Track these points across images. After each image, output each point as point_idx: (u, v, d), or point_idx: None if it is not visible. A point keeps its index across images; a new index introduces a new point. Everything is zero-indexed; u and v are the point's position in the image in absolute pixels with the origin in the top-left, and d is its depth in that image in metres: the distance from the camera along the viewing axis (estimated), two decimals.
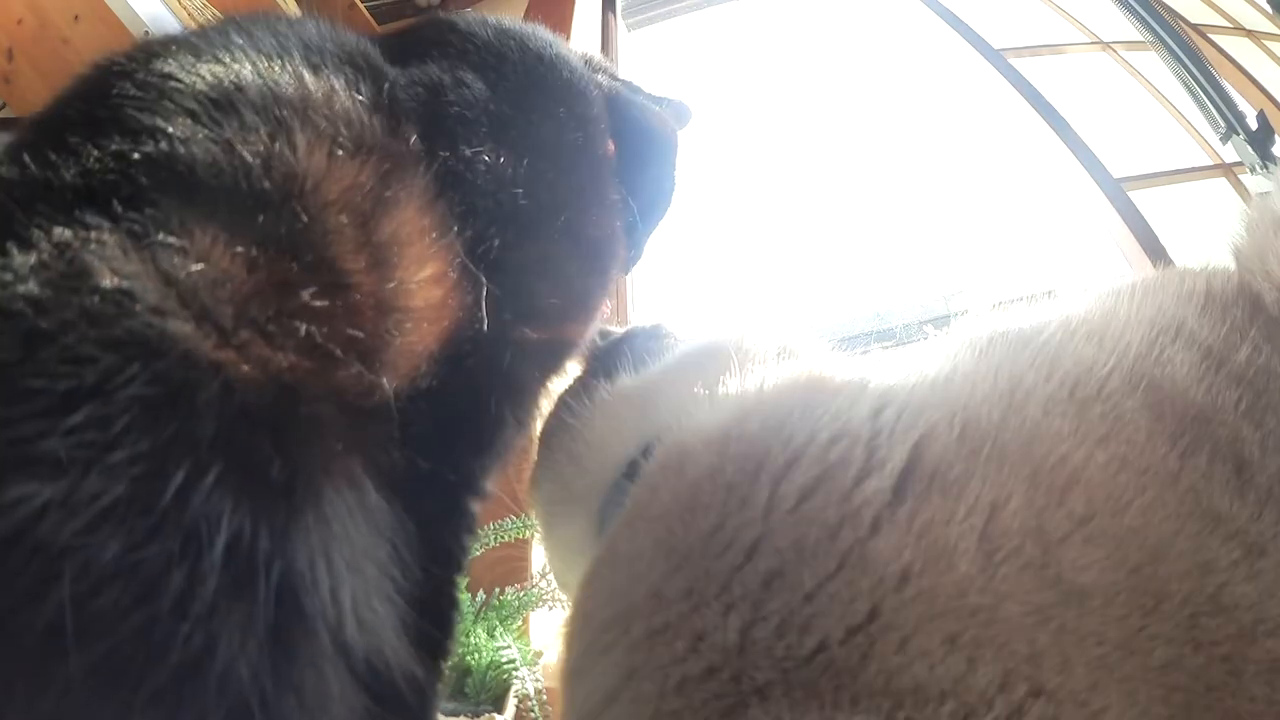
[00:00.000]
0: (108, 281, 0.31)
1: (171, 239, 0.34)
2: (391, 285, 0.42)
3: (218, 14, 1.58)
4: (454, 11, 0.71)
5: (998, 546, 0.35)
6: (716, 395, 0.49)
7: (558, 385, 0.68)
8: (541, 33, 0.64)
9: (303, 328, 0.36)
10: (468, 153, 0.48)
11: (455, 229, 0.46)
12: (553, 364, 0.59)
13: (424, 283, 0.44)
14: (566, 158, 0.55)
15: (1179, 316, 0.45)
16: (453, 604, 0.48)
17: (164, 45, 0.44)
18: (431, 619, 0.45)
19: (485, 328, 0.46)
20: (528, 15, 2.18)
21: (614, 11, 2.52)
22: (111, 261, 0.32)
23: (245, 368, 0.33)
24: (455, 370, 0.45)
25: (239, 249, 0.36)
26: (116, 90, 0.40)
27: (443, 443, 0.45)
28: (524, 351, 0.51)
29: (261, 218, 0.38)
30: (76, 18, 1.29)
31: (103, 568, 0.26)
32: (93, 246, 0.32)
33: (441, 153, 0.47)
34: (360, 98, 0.45)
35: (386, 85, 0.47)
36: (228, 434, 0.30)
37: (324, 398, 0.36)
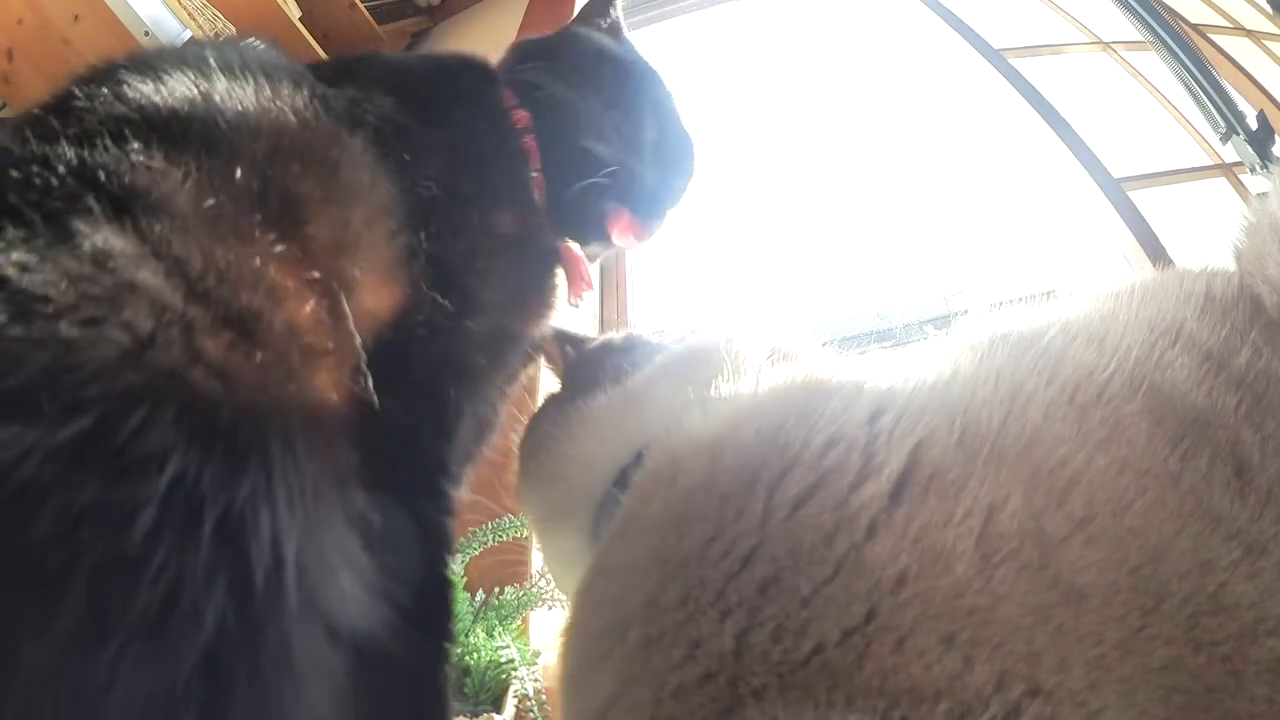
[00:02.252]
0: (89, 244, 0.34)
1: (151, 198, 0.38)
2: (346, 242, 0.46)
3: (217, 13, 1.59)
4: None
5: (996, 548, 0.35)
6: (708, 400, 0.48)
7: (531, 392, 0.70)
8: (446, 55, 0.72)
9: (258, 269, 0.40)
10: (386, 152, 0.54)
11: (391, 215, 0.51)
12: (502, 357, 0.62)
13: (371, 246, 0.48)
14: (471, 158, 0.60)
15: (1178, 319, 0.45)
16: (445, 582, 0.50)
17: (159, 54, 0.51)
18: (426, 599, 0.46)
19: (430, 315, 0.50)
20: (528, 15, 2.19)
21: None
22: (95, 225, 0.35)
23: (205, 314, 0.35)
24: (410, 355, 0.49)
25: (211, 200, 0.40)
26: (122, 74, 0.46)
27: (407, 425, 0.48)
28: (472, 343, 0.55)
29: (236, 174, 0.43)
30: (76, 18, 1.29)
31: (82, 506, 0.28)
32: (79, 214, 0.35)
33: (370, 144, 0.53)
34: (304, 97, 0.53)
35: (320, 92, 0.55)
36: (184, 376, 0.33)
37: (279, 342, 0.38)
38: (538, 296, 0.67)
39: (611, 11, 0.85)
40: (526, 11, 2.21)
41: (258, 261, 0.40)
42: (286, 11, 1.84)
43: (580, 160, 0.67)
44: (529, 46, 0.80)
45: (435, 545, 0.49)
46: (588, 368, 0.64)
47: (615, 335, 0.70)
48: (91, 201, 0.36)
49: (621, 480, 0.51)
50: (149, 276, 0.34)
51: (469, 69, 0.71)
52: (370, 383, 0.44)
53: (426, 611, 0.46)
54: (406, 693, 0.44)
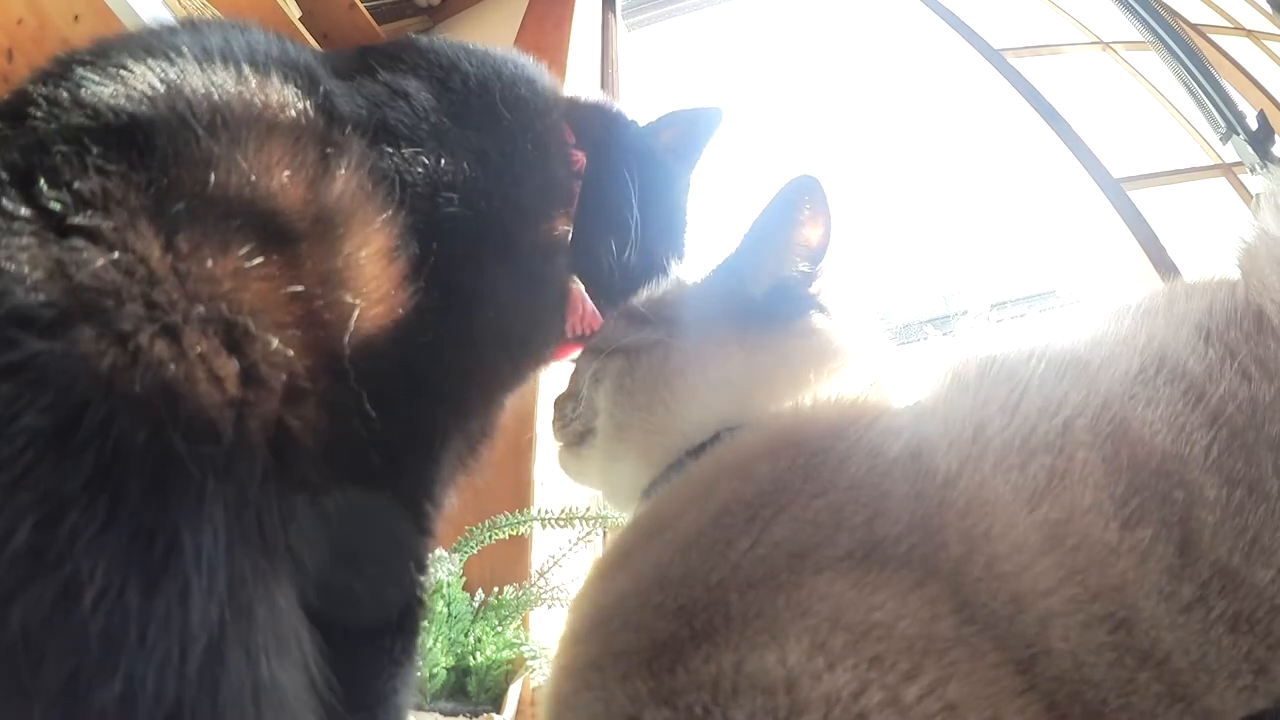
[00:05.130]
0: (10, 294, 0.30)
1: (90, 219, 0.34)
2: (339, 256, 0.43)
3: (217, 14, 1.59)
4: (423, 35, 0.76)
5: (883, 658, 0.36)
6: (782, 410, 0.55)
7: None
8: (508, 55, 0.68)
9: (214, 299, 0.36)
10: (406, 152, 0.50)
11: (398, 224, 0.47)
12: (502, 374, 0.60)
13: (371, 258, 0.45)
14: (508, 173, 0.56)
15: (1167, 345, 0.43)
16: (419, 603, 0.48)
17: (120, 40, 0.46)
18: (396, 619, 0.45)
19: (432, 333, 0.47)
20: (528, 15, 2.18)
21: (614, 11, 2.52)
22: (20, 265, 0.31)
23: (134, 386, 0.32)
24: (402, 375, 0.45)
25: (169, 218, 0.36)
26: (79, 74, 0.42)
27: (393, 445, 0.45)
28: (472, 365, 0.53)
29: (209, 179, 0.39)
30: (76, 18, 1.29)
31: (43, 615, 0.27)
32: (7, 241, 0.32)
33: (383, 149, 0.49)
34: (296, 91, 0.48)
35: (322, 89, 0.50)
36: (104, 476, 0.30)
37: (218, 401, 0.35)
38: (544, 320, 0.65)
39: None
40: (527, 11, 2.21)
41: (224, 288, 0.36)
42: (286, 11, 1.84)
43: (616, 229, 0.68)
44: (592, 102, 0.79)
45: (409, 562, 0.47)
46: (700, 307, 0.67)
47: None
48: (24, 224, 0.33)
49: (697, 451, 0.57)
50: (74, 343, 0.31)
51: (532, 83, 0.67)
52: (365, 402, 0.42)
53: (389, 638, 0.45)
54: None
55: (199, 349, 0.35)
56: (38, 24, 1.29)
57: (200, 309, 0.35)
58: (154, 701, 0.29)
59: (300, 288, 0.40)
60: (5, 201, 0.34)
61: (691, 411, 0.59)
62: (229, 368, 0.36)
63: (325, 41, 2.03)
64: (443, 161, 0.51)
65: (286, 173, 0.42)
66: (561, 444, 0.72)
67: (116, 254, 0.34)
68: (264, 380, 0.37)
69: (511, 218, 0.56)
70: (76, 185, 0.35)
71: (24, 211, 0.33)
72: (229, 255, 0.37)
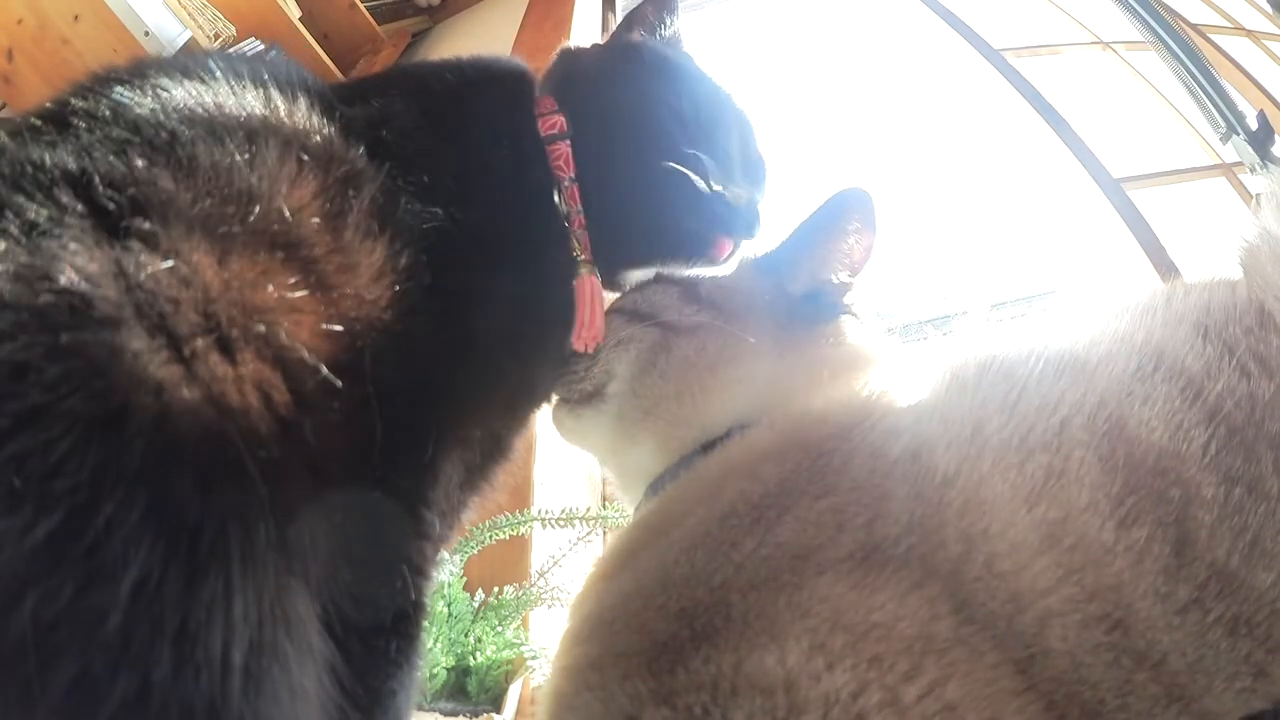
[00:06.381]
0: (66, 279, 0.30)
1: (146, 224, 0.35)
2: (357, 289, 0.43)
3: (218, 14, 1.59)
4: (413, 59, 0.75)
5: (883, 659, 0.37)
6: (789, 411, 0.54)
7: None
8: (475, 61, 0.66)
9: (271, 325, 0.37)
10: (399, 174, 0.51)
11: (401, 245, 0.48)
12: (504, 385, 0.59)
13: (383, 292, 0.45)
14: (483, 184, 0.56)
15: (1165, 342, 0.43)
16: (418, 608, 0.48)
17: (156, 63, 0.48)
18: (394, 623, 0.45)
19: (433, 346, 0.47)
20: (528, 15, 2.19)
21: (614, 11, 2.52)
22: (75, 256, 0.31)
23: (186, 389, 0.32)
24: (411, 385, 0.46)
25: (219, 238, 0.37)
26: (119, 92, 0.43)
27: (392, 456, 0.45)
28: (466, 376, 0.52)
29: (253, 210, 0.39)
30: (76, 18, 1.30)
31: (60, 608, 0.27)
32: (61, 232, 0.32)
33: (383, 170, 0.50)
34: (318, 115, 0.49)
35: (338, 112, 0.52)
36: (153, 468, 0.30)
37: (267, 416, 0.35)
38: (544, 321, 0.62)
39: (669, 20, 0.76)
40: (527, 11, 2.21)
41: (275, 316, 0.37)
42: (286, 11, 1.84)
43: (647, 171, 0.63)
44: (579, 52, 0.74)
45: (402, 564, 0.47)
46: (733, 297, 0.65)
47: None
48: (79, 220, 0.33)
49: (708, 447, 0.57)
50: (129, 339, 0.31)
51: (493, 79, 0.65)
52: (378, 418, 0.42)
53: (393, 634, 0.45)
54: None
55: (254, 366, 0.35)
56: (38, 24, 1.29)
57: (259, 328, 0.36)
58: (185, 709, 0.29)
59: (338, 327, 0.41)
60: (60, 194, 0.34)
61: (714, 407, 0.59)
62: (282, 387, 0.37)
63: (325, 41, 2.03)
64: (430, 175, 0.52)
65: (316, 219, 0.43)
66: (561, 399, 0.68)
67: (173, 262, 0.34)
68: (311, 403, 0.38)
69: (498, 223, 0.57)
70: (130, 191, 0.35)
71: (80, 207, 0.34)
72: (277, 283, 0.38)
